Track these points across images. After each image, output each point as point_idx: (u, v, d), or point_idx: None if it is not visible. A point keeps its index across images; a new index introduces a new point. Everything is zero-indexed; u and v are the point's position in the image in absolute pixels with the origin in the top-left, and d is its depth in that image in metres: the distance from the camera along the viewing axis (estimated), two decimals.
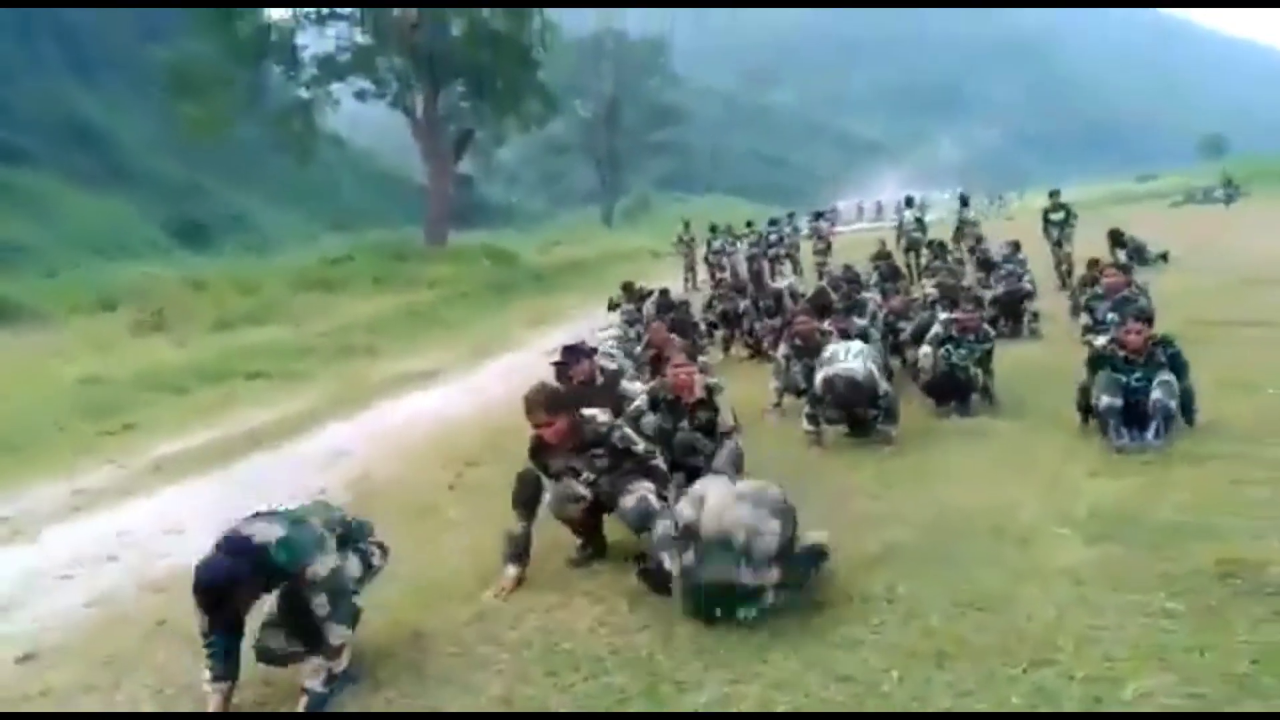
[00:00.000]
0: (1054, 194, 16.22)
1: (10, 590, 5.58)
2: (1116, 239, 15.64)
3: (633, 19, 75.43)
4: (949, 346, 7.22)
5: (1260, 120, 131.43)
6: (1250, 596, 3.60)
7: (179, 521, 6.66)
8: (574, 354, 6.95)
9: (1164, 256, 16.43)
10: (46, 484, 8.12)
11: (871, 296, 10.41)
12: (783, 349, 7.89)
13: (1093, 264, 10.97)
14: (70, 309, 18.65)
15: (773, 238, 22.03)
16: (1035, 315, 10.72)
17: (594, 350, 7.50)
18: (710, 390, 5.92)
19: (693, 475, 5.67)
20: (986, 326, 7.61)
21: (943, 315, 8.05)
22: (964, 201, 20.66)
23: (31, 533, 6.79)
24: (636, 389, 6.43)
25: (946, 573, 4.21)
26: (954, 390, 7.17)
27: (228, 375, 12.89)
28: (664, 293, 12.60)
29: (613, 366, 7.36)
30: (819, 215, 25.42)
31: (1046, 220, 15.45)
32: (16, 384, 12.28)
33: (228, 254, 34.16)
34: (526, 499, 4.58)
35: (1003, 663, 3.32)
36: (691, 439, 5.77)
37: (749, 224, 23.88)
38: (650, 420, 5.86)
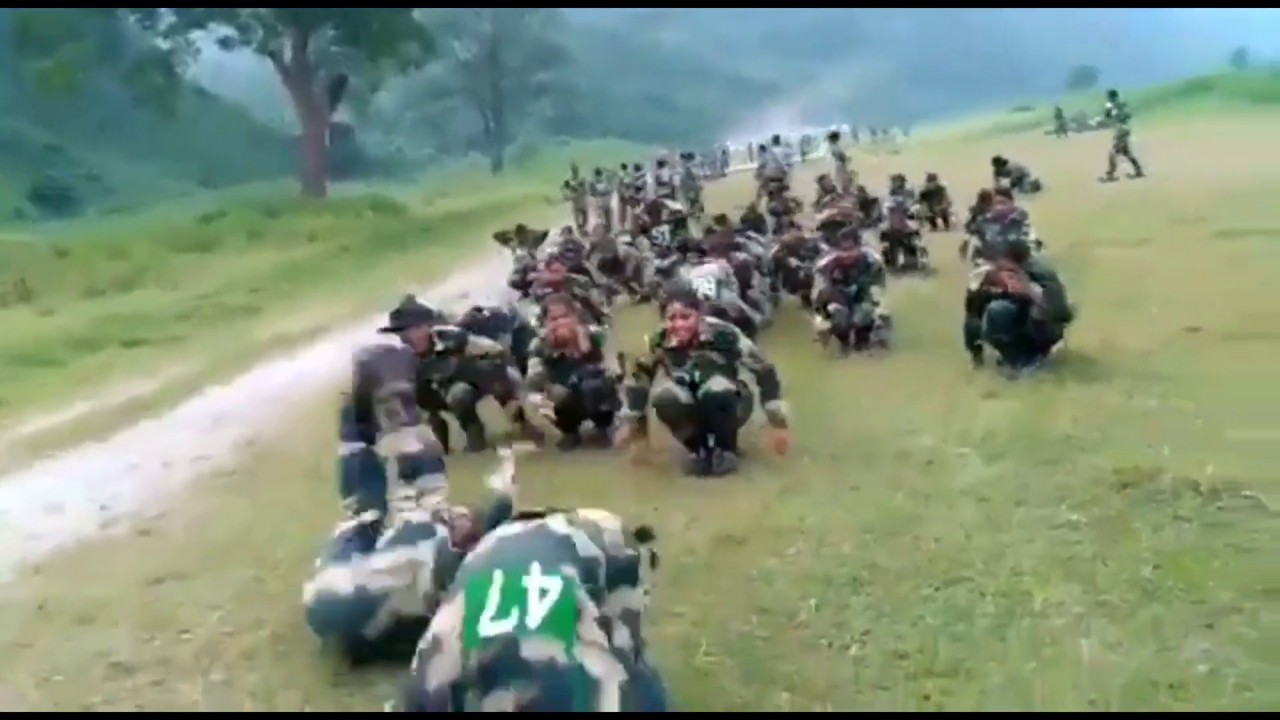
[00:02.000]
0: None
1: None
2: (999, 166, 16.13)
3: None
4: (840, 287, 7.18)
5: (1139, 56, 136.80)
6: (1148, 504, 3.73)
7: (58, 500, 6.26)
8: (407, 318, 5.93)
9: (1036, 185, 16.97)
10: None
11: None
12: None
13: (984, 197, 11.22)
14: None
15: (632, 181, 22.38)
16: (924, 250, 10.69)
17: (431, 313, 6.53)
18: (595, 340, 5.86)
19: (604, 420, 5.69)
20: (873, 258, 7.58)
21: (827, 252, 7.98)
22: (833, 138, 21.09)
23: None
24: (484, 344, 6.05)
25: (854, 500, 4.27)
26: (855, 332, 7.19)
27: (102, 344, 12.22)
28: (567, 231, 12.38)
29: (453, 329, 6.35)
30: (688, 156, 25.48)
31: None
32: None
33: (93, 218, 32.33)
34: None
35: (915, 584, 3.36)
36: (598, 387, 5.69)
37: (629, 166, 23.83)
38: (559, 391, 5.76)
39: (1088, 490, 3.95)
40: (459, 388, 5.88)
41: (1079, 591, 3.13)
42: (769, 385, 4.97)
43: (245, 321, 13.71)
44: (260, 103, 58.36)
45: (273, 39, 28.29)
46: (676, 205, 15.98)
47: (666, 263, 10.79)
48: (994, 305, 5.76)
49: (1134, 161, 17.99)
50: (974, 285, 6.02)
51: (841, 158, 20.31)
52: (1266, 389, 5.00)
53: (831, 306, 7.12)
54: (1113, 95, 19.62)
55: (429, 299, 7.32)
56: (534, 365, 5.93)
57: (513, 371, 5.93)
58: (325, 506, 5.12)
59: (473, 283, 14.74)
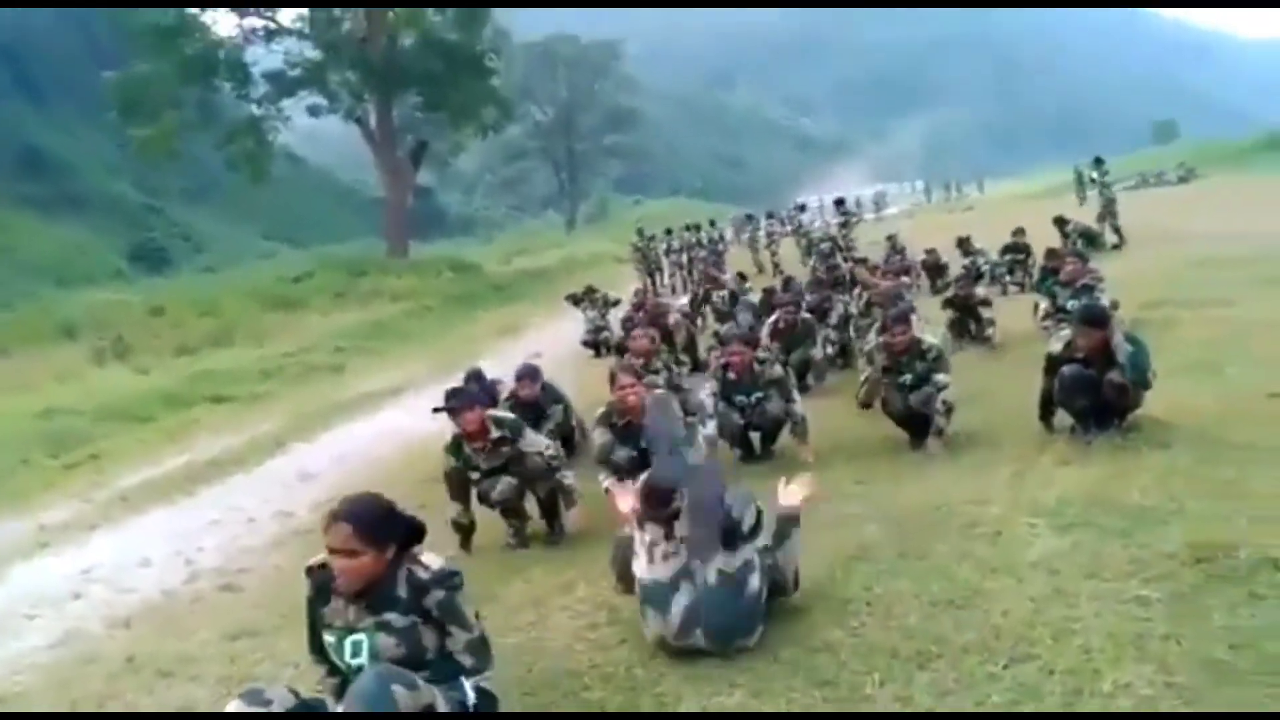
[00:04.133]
0: None
1: None
2: (1062, 226, 15.97)
3: (584, 23, 75.66)
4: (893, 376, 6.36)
5: (1217, 107, 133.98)
6: (1223, 580, 3.63)
7: (147, 554, 6.56)
8: (459, 399, 5.48)
9: (1116, 244, 16.70)
10: (11, 520, 7.96)
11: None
12: (709, 386, 6.71)
13: (1050, 254, 11.03)
14: (28, 339, 18.32)
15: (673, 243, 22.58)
16: (991, 322, 9.74)
17: (484, 397, 6.53)
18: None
19: None
20: (929, 342, 6.49)
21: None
22: (839, 203, 21.98)
23: None
24: (541, 443, 5.48)
25: (921, 570, 4.22)
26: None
27: (191, 401, 12.75)
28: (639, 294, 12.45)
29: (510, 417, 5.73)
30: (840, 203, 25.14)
31: None
32: None
33: (187, 276, 33.75)
34: None
35: (982, 660, 3.32)
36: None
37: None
38: (623, 454, 5.91)
39: (1161, 564, 3.85)
40: (505, 483, 5.36)
41: (1150, 672, 3.06)
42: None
43: (329, 379, 14.16)
44: (348, 165, 60.65)
45: (359, 106, 29.51)
46: (727, 276, 16.00)
47: (724, 328, 10.78)
48: (1065, 369, 5.65)
49: (1118, 231, 17.19)
50: (1055, 348, 5.89)
51: (845, 224, 20.55)
52: None
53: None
54: (1098, 162, 19.19)
55: (505, 356, 7.50)
56: (600, 434, 6.07)
57: (569, 477, 5.46)
58: None
59: (546, 341, 15.03)
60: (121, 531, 7.32)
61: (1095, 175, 18.94)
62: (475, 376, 7.98)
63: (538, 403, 7.02)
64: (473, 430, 5.28)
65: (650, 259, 22.51)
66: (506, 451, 5.33)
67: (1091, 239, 15.94)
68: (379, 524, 2.89)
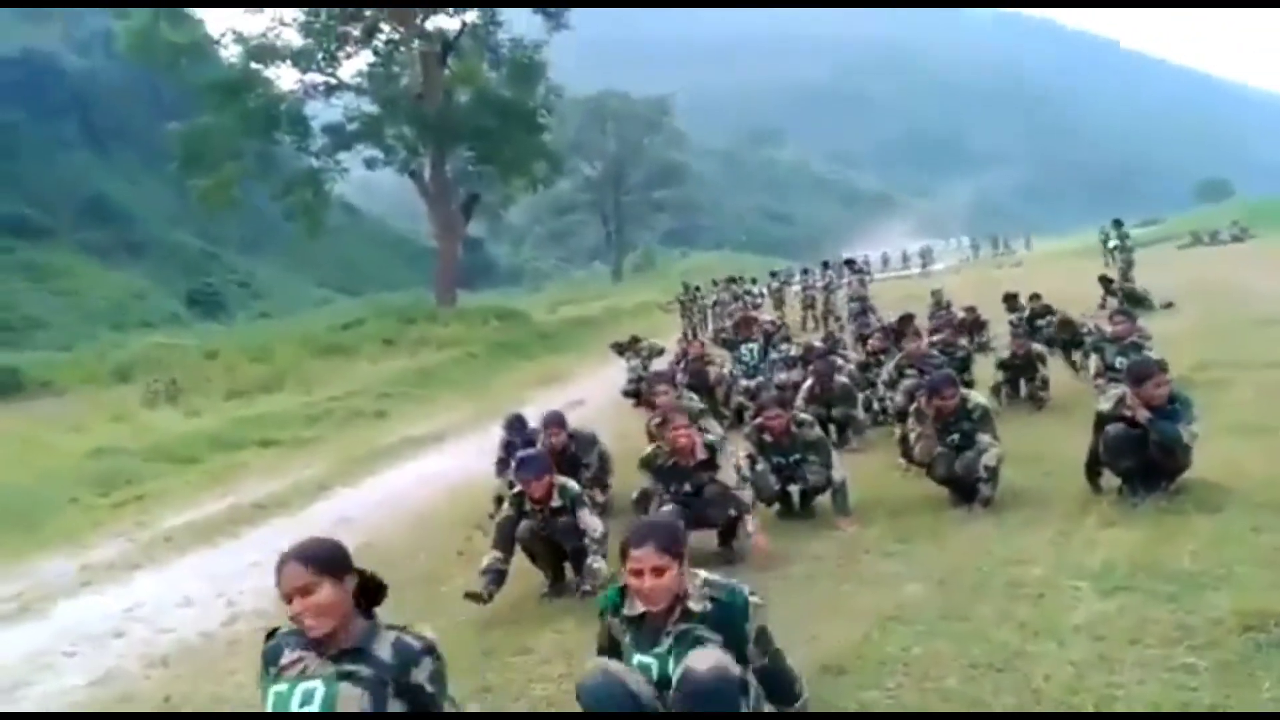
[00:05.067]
0: None
1: (17, 668, 5.54)
2: (1106, 285, 15.76)
3: (635, 78, 76.94)
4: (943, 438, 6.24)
5: (1264, 164, 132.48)
6: (1273, 649, 3.50)
7: (188, 594, 6.64)
8: (532, 467, 5.36)
9: (1168, 303, 16.36)
10: (57, 558, 8.12)
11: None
12: (745, 450, 6.40)
13: (1064, 324, 11.00)
14: (84, 380, 18.85)
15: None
16: (1045, 382, 9.28)
17: (528, 441, 7.08)
18: (711, 449, 5.84)
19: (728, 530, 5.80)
20: (975, 401, 6.34)
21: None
22: (849, 264, 22.32)
23: (41, 608, 6.76)
24: (595, 525, 5.34)
25: (961, 631, 4.12)
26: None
27: (239, 444, 12.97)
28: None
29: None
30: (850, 263, 25.29)
31: None
32: (30, 457, 12.36)
33: (242, 322, 34.54)
34: None
35: None
36: (717, 493, 5.67)
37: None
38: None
39: (1208, 631, 3.73)
40: (541, 546, 5.44)
41: None
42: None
43: (374, 425, 14.32)
44: (401, 215, 62.05)
45: (414, 160, 30.19)
46: (769, 318, 15.95)
47: (753, 383, 10.63)
48: (1110, 429, 5.54)
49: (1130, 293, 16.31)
50: (1105, 406, 5.75)
51: (863, 282, 20.85)
52: None
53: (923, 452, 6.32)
54: (1117, 224, 18.88)
55: (548, 403, 7.52)
56: (643, 478, 5.97)
57: (600, 562, 5.20)
58: (434, 613, 5.29)
59: (589, 389, 15.08)
60: (164, 571, 7.43)
61: (1115, 236, 18.75)
62: (515, 424, 8.01)
63: (566, 449, 6.99)
64: (539, 496, 5.33)
65: (694, 310, 22.63)
66: (562, 522, 5.34)
67: (1137, 299, 15.60)
68: (327, 556, 2.79)
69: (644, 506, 5.83)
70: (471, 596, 5.07)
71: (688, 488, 5.74)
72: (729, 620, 3.00)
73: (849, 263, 23.78)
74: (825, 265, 23.04)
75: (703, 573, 3.13)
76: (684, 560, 3.03)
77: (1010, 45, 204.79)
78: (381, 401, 16.01)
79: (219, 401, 16.66)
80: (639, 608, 3.07)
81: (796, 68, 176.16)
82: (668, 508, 5.61)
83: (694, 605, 3.01)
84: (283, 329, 27.57)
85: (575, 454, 7.01)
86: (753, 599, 3.05)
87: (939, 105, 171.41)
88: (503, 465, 7.83)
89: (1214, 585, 4.19)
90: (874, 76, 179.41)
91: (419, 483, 9.65)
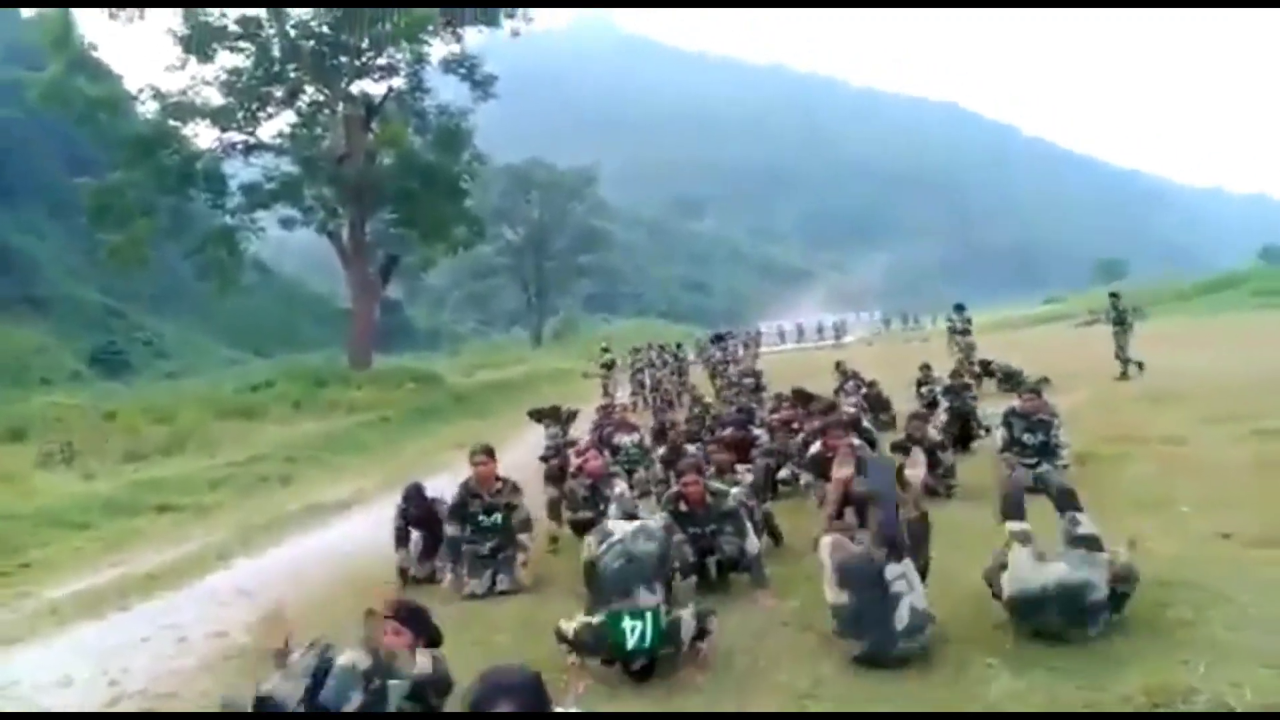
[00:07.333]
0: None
1: None
2: (985, 367, 16.42)
3: (560, 148, 77.94)
4: None
5: (1158, 246, 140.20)
6: None
7: (69, 671, 6.24)
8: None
9: (1039, 382, 16.81)
10: None
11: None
12: (656, 520, 5.96)
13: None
14: None
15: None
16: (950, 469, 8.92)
17: (426, 510, 7.64)
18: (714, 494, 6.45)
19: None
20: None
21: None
22: (717, 339, 24.75)
23: None
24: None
25: (878, 710, 4.14)
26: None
27: (136, 509, 12.41)
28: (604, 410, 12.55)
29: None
30: (718, 338, 26.62)
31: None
32: None
33: (146, 382, 33.35)
34: None
35: None
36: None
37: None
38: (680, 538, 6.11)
39: (1117, 707, 3.81)
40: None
41: None
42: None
43: (279, 491, 13.87)
44: (318, 275, 61.01)
45: (333, 221, 29.84)
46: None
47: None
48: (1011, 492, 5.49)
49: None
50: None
51: (725, 361, 22.32)
52: None
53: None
54: (959, 309, 19.95)
55: (460, 470, 7.36)
56: (662, 518, 6.22)
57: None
58: None
59: (505, 454, 14.83)
60: (45, 647, 6.98)
61: (959, 321, 19.66)
62: (413, 493, 7.88)
63: (492, 482, 7.12)
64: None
65: (613, 376, 22.77)
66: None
67: (1012, 378, 15.86)
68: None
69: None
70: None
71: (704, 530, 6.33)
72: None
73: (717, 338, 25.06)
74: (718, 338, 24.08)
75: None
76: None
77: (920, 128, 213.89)
78: (288, 466, 15.53)
79: (117, 464, 15.94)
80: None
81: (720, 144, 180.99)
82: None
83: None
84: (188, 390, 26.65)
85: (499, 494, 7.11)
86: None
87: (856, 184, 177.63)
88: (402, 536, 7.67)
89: (1122, 663, 4.29)
90: (794, 154, 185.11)
91: (327, 551, 9.33)
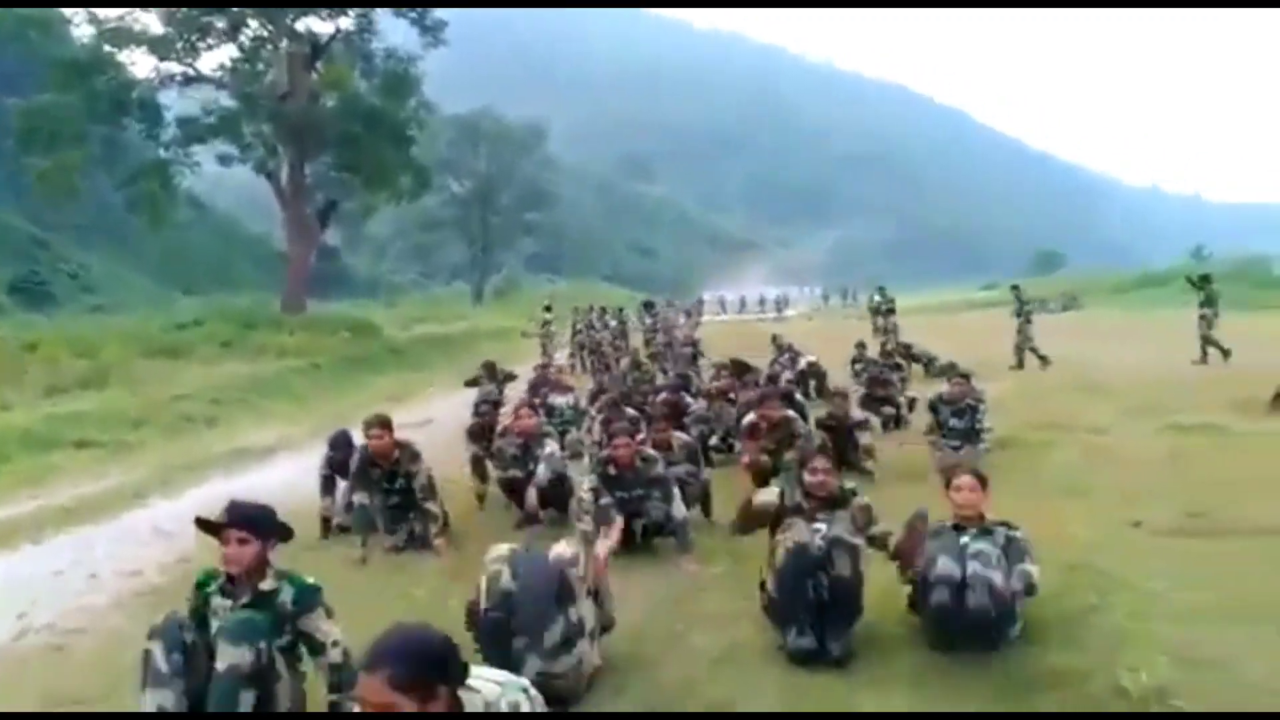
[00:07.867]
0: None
1: None
2: (906, 349, 16.89)
3: (511, 101, 76.75)
4: None
5: (1096, 239, 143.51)
6: (1078, 709, 3.74)
7: None
8: None
9: (947, 369, 17.08)
10: None
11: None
12: (588, 481, 6.52)
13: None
14: None
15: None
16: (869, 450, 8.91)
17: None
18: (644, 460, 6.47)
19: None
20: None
21: None
22: (648, 306, 25.69)
23: None
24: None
25: (788, 676, 4.21)
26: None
27: (53, 443, 12.04)
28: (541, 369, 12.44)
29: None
30: (649, 305, 27.10)
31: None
32: None
33: (70, 315, 32.21)
34: None
35: None
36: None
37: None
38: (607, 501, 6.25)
39: (1020, 691, 3.92)
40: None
41: None
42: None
43: (203, 432, 13.60)
44: (255, 216, 59.39)
45: (271, 160, 29.05)
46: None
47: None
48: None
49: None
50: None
51: (655, 329, 23.24)
52: (1201, 591, 4.99)
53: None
54: (881, 290, 20.49)
55: (396, 422, 7.18)
56: (590, 480, 6.43)
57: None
58: None
59: (440, 410, 14.76)
60: None
61: (884, 301, 20.12)
62: (340, 440, 7.76)
63: (389, 455, 6.71)
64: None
65: (553, 336, 22.72)
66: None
67: (930, 362, 16.16)
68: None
69: (594, 512, 6.15)
70: None
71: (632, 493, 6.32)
72: None
73: (648, 305, 25.83)
74: (648, 305, 24.60)
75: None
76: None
77: (872, 108, 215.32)
78: (213, 408, 15.20)
79: (35, 397, 15.43)
80: None
81: (672, 105, 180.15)
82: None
83: None
84: (114, 325, 25.79)
85: (398, 463, 6.80)
86: None
87: (805, 156, 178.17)
88: (327, 484, 7.56)
89: (1026, 644, 4.40)
90: (747, 121, 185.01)
91: (245, 497, 9.09)
